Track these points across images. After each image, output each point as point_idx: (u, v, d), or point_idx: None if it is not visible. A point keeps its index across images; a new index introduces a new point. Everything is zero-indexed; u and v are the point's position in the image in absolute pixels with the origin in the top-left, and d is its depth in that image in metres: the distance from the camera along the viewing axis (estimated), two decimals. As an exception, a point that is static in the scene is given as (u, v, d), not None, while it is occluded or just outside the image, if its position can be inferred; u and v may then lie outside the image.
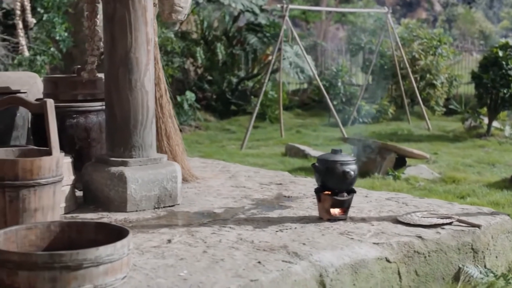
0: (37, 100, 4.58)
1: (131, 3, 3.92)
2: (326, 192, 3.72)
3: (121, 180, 3.86)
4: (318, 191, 3.75)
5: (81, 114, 4.41)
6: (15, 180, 2.95)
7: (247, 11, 12.75)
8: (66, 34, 11.58)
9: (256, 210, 3.98)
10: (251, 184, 4.86)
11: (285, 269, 2.81)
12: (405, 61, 11.73)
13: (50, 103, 3.04)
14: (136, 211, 3.90)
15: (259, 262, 2.88)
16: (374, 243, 3.25)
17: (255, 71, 13.31)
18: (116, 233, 2.72)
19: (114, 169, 3.90)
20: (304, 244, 3.19)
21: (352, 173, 3.67)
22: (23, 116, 4.30)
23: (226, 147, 9.76)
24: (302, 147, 8.70)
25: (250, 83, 13.64)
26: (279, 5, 9.96)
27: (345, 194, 3.72)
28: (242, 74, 13.72)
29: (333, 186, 3.69)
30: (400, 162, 7.36)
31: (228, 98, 12.83)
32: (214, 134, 11.47)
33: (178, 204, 4.09)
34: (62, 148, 4.03)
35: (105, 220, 3.70)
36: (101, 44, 4.28)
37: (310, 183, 4.93)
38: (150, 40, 4.02)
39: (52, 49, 11.24)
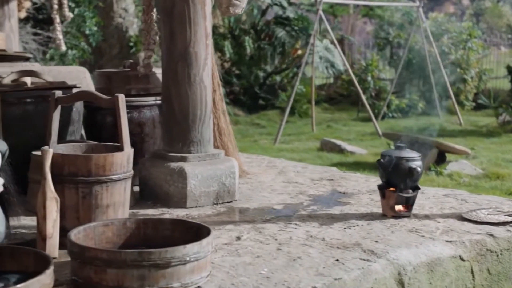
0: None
1: (190, -4, 3.87)
2: (391, 189, 3.66)
3: (181, 176, 3.82)
4: (382, 188, 3.69)
5: (135, 109, 4.37)
6: (88, 176, 2.92)
7: (275, 4, 12.68)
8: (95, 28, 11.58)
9: (316, 207, 3.93)
10: (302, 180, 4.81)
11: (366, 267, 2.76)
12: (436, 55, 11.61)
13: (122, 98, 3.01)
14: (196, 207, 3.86)
15: (337, 260, 2.83)
16: (446, 241, 3.19)
17: (284, 66, 13.24)
18: (194, 231, 2.69)
19: (173, 164, 3.86)
20: (376, 241, 3.14)
21: (419, 169, 3.61)
22: (79, 110, 4.27)
23: (258, 142, 9.72)
24: (337, 142, 8.64)
25: (278, 78, 13.57)
26: (312, -1, 9.88)
27: (410, 190, 3.66)
28: (268, 68, 13.65)
29: (398, 183, 3.63)
30: (440, 157, 7.29)
31: (256, 93, 12.78)
32: (244, 128, 11.43)
33: (236, 200, 4.05)
34: (115, 143, 4.01)
35: (166, 216, 3.67)
36: (157, 38, 4.24)
37: (361, 179, 4.88)
38: (208, 34, 3.98)
39: (82, 43, 11.25)
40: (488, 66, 14.77)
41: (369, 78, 12.29)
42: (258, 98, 12.89)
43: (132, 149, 3.12)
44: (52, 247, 2.81)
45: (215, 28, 13.62)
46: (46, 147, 2.93)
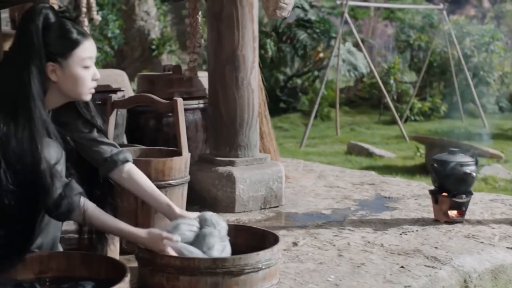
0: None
1: (238, 0, 3.84)
2: (444, 194, 3.61)
3: (229, 180, 3.78)
4: (435, 193, 3.64)
5: (170, 112, 4.33)
6: (148, 181, 2.88)
7: (297, 7, 12.62)
8: (118, 31, 11.60)
9: (364, 212, 3.88)
10: (344, 184, 4.76)
11: (433, 274, 2.71)
12: (460, 58, 11.53)
13: (180, 102, 2.97)
14: (244, 211, 3.83)
15: (402, 267, 2.78)
16: (508, 248, 3.14)
17: (305, 69, 13.18)
18: (258, 237, 2.64)
19: (221, 169, 3.83)
20: (436, 248, 3.09)
21: (474, 174, 3.56)
22: (123, 114, 4.25)
23: (284, 145, 9.65)
24: (365, 145, 8.57)
25: (299, 81, 13.52)
26: (338, 1, 9.82)
27: (464, 196, 3.61)
28: (288, 71, 13.59)
29: (452, 188, 3.58)
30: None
31: (277, 95, 12.73)
32: (267, 131, 11.36)
33: (282, 205, 4.01)
34: (157, 146, 3.98)
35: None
36: (202, 41, 4.21)
37: (402, 183, 4.83)
38: (255, 37, 3.95)
39: (105, 46, 11.26)
40: (509, 69, 14.65)
41: (391, 81, 12.20)
42: (280, 101, 12.83)
43: (189, 154, 3.08)
44: (113, 253, 2.78)
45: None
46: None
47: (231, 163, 3.86)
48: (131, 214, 2.91)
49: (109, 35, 11.40)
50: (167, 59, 12.14)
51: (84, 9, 8.20)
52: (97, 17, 8.59)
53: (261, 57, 13.06)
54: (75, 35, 2.26)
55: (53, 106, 2.37)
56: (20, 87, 2.22)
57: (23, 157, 2.13)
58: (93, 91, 2.37)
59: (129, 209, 2.90)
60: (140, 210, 2.91)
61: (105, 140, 2.50)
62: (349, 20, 9.70)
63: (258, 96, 4.01)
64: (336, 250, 3.05)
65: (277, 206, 3.97)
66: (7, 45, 5.27)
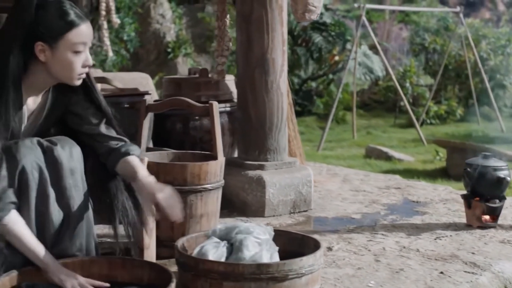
0: (156, 101, 4.53)
1: (268, 2, 3.82)
2: (477, 199, 3.57)
3: (259, 184, 3.76)
4: (468, 197, 3.60)
5: (206, 116, 4.32)
6: (184, 185, 2.87)
7: (312, 10, 12.58)
8: (133, 34, 11.61)
9: (394, 216, 3.85)
10: (369, 188, 4.73)
11: (474, 280, 2.68)
12: (477, 61, 11.46)
13: (216, 106, 2.95)
14: (274, 216, 3.80)
15: (441, 273, 2.75)
16: (545, 253, 3.10)
17: (320, 72, 13.15)
18: (297, 242, 2.62)
19: (251, 173, 3.81)
20: (473, 253, 3.05)
21: (508, 178, 3.52)
22: (150, 117, 4.23)
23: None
24: (384, 149, 8.53)
25: (313, 84, 13.49)
26: (356, 4, 9.79)
27: (497, 200, 3.57)
28: (303, 74, 13.56)
29: (485, 192, 3.55)
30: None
31: (293, 99, 12.69)
32: (283, 135, 11.34)
33: (311, 209, 3.98)
34: (184, 150, 3.96)
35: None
36: (230, 44, 4.19)
37: (429, 188, 4.80)
38: (285, 40, 3.92)
39: (121, 49, 11.27)
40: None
41: (407, 84, 12.14)
42: (295, 104, 12.80)
43: (224, 158, 3.06)
44: (150, 257, 2.76)
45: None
46: (142, 156, 2.88)
47: (261, 167, 3.83)
48: (166, 218, 2.88)
49: (125, 38, 11.41)
50: (183, 62, 12.13)
51: (103, 12, 8.21)
52: (116, 20, 8.59)
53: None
54: (71, 17, 2.14)
55: (41, 87, 2.27)
56: None
57: None
58: (83, 76, 2.25)
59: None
60: (176, 214, 2.88)
61: (113, 134, 2.42)
62: (367, 23, 9.66)
63: (286, 99, 3.98)
64: (372, 255, 3.01)
65: (306, 210, 3.95)
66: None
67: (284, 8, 3.90)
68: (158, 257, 2.83)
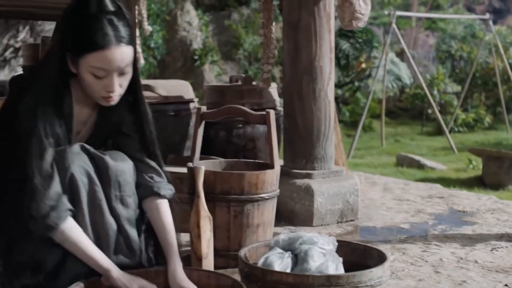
0: (209, 109, 4.50)
1: (316, 10, 3.79)
2: (531, 209, 3.51)
3: (308, 193, 3.72)
4: (522, 208, 3.54)
5: (248, 124, 4.30)
6: (241, 195, 2.84)
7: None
8: (161, 41, 11.64)
9: (443, 226, 3.79)
10: (412, 197, 4.68)
11: (540, 293, 2.62)
12: (507, 68, 11.36)
13: (273, 114, 2.92)
14: (322, 225, 3.76)
15: (506, 285, 2.69)
16: None
17: (347, 79, 13.10)
18: (359, 252, 2.58)
19: (299, 181, 3.77)
20: (533, 265, 2.99)
21: None
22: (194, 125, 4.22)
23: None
24: (416, 157, 8.46)
25: (339, 91, 13.44)
26: (386, 12, 9.75)
27: (552, 211, 3.51)
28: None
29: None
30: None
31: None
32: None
33: (358, 218, 3.94)
34: (226, 158, 3.93)
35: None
36: (276, 52, 4.17)
37: (472, 197, 4.73)
38: (332, 48, 3.89)
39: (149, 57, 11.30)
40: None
41: (435, 92, 12.07)
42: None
43: (280, 167, 3.03)
44: (208, 267, 2.73)
45: (277, 41, 13.58)
46: (191, 164, 2.86)
47: (308, 176, 3.80)
48: (223, 228, 2.86)
49: (152, 45, 11.44)
50: (209, 69, 12.14)
51: (136, 20, 8.24)
52: (148, 28, 8.61)
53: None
54: (96, 37, 1.94)
55: (87, 99, 2.14)
56: (42, 74, 2.05)
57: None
58: (112, 100, 2.06)
59: (222, 223, 2.86)
60: (233, 224, 2.86)
61: (152, 164, 2.27)
62: (397, 31, 9.60)
63: (334, 107, 3.95)
64: (430, 266, 2.96)
65: (353, 220, 3.90)
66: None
67: (331, 16, 3.88)
68: (214, 267, 2.80)
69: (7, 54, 8.67)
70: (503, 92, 12.18)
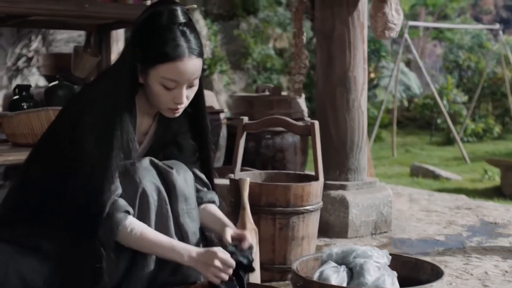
0: (228, 119, 4.47)
1: (350, 20, 3.77)
2: None
3: (342, 205, 3.68)
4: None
5: (278, 135, 4.27)
6: (287, 207, 2.79)
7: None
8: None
9: (479, 238, 3.75)
10: (440, 208, 4.64)
11: None
12: (516, 78, 11.37)
13: (317, 125, 2.88)
14: (356, 237, 3.72)
15: (558, 299, 2.65)
16: None
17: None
18: (410, 266, 2.54)
19: (333, 193, 3.73)
20: None
21: None
22: (225, 136, 4.19)
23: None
24: (430, 167, 8.42)
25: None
26: (398, 22, 9.71)
27: None
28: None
29: None
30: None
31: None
32: (320, 152, 11.26)
33: (391, 230, 3.90)
34: (255, 169, 3.89)
35: (332, 246, 3.53)
36: (307, 62, 4.14)
37: (501, 208, 4.70)
38: (365, 58, 3.86)
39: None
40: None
41: (444, 101, 12.05)
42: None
43: (323, 179, 2.99)
44: (255, 280, 2.68)
45: (284, 51, 13.58)
46: (232, 176, 2.82)
47: (343, 187, 3.76)
48: (268, 241, 2.82)
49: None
50: (218, 79, 12.12)
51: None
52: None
53: (310, 77, 13.09)
54: (169, 49, 1.91)
55: (149, 109, 2.12)
56: (112, 88, 1.99)
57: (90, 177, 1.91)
58: (178, 112, 2.03)
59: (267, 235, 2.82)
60: (278, 237, 2.82)
61: (202, 177, 2.25)
62: (409, 41, 9.59)
63: (366, 118, 3.91)
64: (476, 279, 2.92)
65: (386, 232, 3.86)
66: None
67: (365, 26, 3.85)
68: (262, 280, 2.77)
69: (20, 63, 8.64)
70: (511, 102, 12.17)
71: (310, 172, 4.12)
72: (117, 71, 2.01)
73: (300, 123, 2.96)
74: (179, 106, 2.01)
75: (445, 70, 14.26)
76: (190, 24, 1.98)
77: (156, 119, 2.17)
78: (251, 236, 2.70)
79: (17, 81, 8.66)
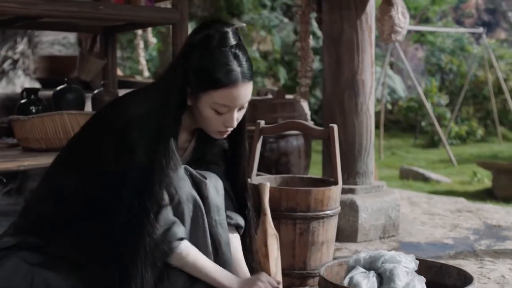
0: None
1: (359, 23, 3.76)
2: None
3: (352, 209, 3.67)
4: None
5: (282, 138, 4.24)
6: (307, 212, 2.77)
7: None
8: (155, 54, 11.54)
9: (487, 241, 3.76)
10: (441, 211, 4.65)
11: None
12: (500, 81, 11.46)
13: (336, 129, 2.86)
14: (365, 241, 3.70)
15: None
16: None
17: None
18: (435, 270, 2.52)
19: (343, 196, 3.70)
20: None
21: None
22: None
23: (330, 169, 9.55)
24: (420, 170, 8.46)
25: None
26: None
27: None
28: (319, 94, 13.51)
29: None
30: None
31: (313, 119, 12.63)
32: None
33: (398, 234, 3.89)
34: (259, 172, 3.86)
35: (344, 250, 3.51)
36: (313, 65, 4.12)
37: (501, 211, 4.73)
38: (373, 62, 3.86)
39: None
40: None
41: (428, 104, 12.13)
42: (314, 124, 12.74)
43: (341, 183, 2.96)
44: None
45: (268, 53, 13.56)
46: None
47: (351, 191, 3.74)
48: (288, 246, 2.79)
49: (147, 57, 11.33)
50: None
51: (139, 31, 8.15)
52: (152, 40, 8.55)
53: (294, 80, 13.09)
54: (222, 75, 1.86)
55: (191, 126, 2.07)
56: (162, 107, 1.93)
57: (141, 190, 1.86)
58: (225, 134, 2.00)
59: (287, 240, 2.78)
60: (298, 242, 2.79)
61: (229, 191, 2.19)
62: (397, 45, 9.62)
63: (374, 122, 3.90)
64: (495, 283, 2.92)
65: (394, 235, 3.85)
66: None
67: (372, 29, 3.84)
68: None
69: (5, 66, 8.50)
70: (493, 105, 12.30)
71: (313, 175, 4.12)
72: (166, 90, 1.92)
73: (319, 128, 2.93)
74: (229, 129, 1.98)
75: (427, 73, 14.35)
76: (241, 45, 1.92)
77: (196, 136, 2.12)
78: (273, 242, 2.68)
79: (2, 84, 8.52)
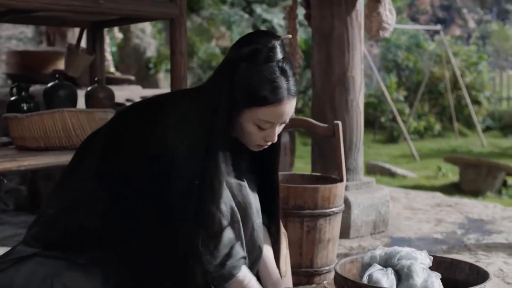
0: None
1: (349, 20, 3.76)
2: None
3: (345, 205, 3.67)
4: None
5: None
6: (314, 209, 2.76)
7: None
8: (115, 49, 11.37)
9: (474, 235, 3.82)
10: (422, 206, 4.72)
11: None
12: (457, 77, 11.68)
13: (340, 126, 2.86)
14: (357, 237, 3.72)
15: None
16: None
17: (301, 88, 13.15)
18: (446, 265, 2.54)
19: (335, 193, 3.71)
20: None
21: None
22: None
23: (295, 166, 9.57)
24: (386, 165, 8.56)
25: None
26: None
27: None
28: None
29: None
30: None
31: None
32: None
33: (388, 230, 3.92)
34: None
35: (339, 247, 3.51)
36: (301, 61, 4.11)
37: (479, 205, 4.83)
38: (362, 58, 3.87)
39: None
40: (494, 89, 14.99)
41: (388, 101, 12.28)
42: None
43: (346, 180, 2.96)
44: (287, 285, 2.63)
45: (228, 49, 13.50)
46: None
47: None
48: (296, 244, 2.78)
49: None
50: (164, 78, 11.94)
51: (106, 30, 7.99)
52: (118, 35, 8.40)
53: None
54: (265, 92, 1.79)
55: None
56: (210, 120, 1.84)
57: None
58: (263, 147, 1.94)
59: (294, 238, 2.77)
60: (305, 240, 2.78)
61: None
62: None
63: (363, 118, 3.92)
64: (495, 277, 2.97)
65: (383, 231, 3.88)
66: (58, 64, 5.05)
67: (362, 26, 3.86)
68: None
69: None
70: (449, 101, 12.53)
71: (307, 172, 4.11)
72: (212, 100, 1.84)
73: (323, 125, 2.92)
74: (268, 143, 1.92)
75: (384, 70, 14.53)
76: (287, 58, 1.85)
77: (233, 147, 2.00)
78: (282, 240, 2.65)
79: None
